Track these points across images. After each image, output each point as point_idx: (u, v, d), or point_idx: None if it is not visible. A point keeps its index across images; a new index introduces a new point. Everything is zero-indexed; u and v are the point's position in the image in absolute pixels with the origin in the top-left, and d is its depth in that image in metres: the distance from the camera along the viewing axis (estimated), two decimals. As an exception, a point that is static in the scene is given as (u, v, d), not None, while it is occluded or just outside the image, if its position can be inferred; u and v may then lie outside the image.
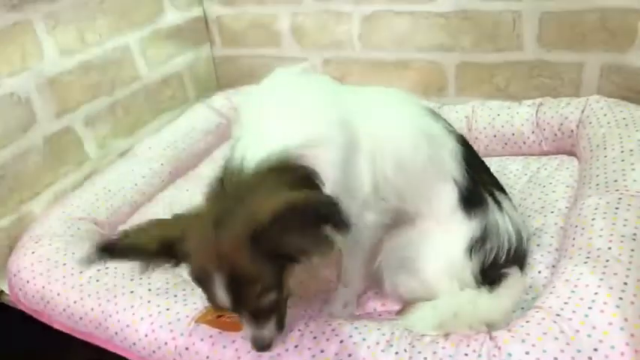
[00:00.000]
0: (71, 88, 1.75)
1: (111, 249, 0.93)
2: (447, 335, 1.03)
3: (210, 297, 0.94)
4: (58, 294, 1.31)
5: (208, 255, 0.89)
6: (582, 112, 1.60)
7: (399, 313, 1.24)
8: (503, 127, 1.72)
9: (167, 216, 0.96)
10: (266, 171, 0.93)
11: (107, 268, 1.32)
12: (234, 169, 0.96)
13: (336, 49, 2.09)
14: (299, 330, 1.09)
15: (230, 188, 0.95)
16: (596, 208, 1.22)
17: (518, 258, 1.22)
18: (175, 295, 1.23)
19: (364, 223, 1.13)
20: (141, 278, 1.26)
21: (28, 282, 1.36)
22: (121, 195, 1.69)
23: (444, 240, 1.18)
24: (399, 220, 1.20)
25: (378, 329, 1.07)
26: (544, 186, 1.50)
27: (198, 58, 2.28)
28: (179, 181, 1.88)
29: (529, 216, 1.40)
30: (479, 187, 1.20)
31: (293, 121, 1.00)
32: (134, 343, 1.20)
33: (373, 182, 1.10)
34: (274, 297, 0.95)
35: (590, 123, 1.54)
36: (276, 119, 1.01)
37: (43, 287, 1.33)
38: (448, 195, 1.17)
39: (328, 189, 0.98)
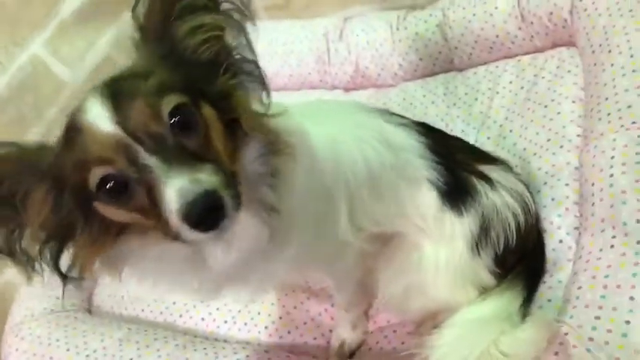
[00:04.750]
0: None
1: None
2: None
3: (84, 141, 0.62)
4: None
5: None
6: (573, -7, 1.28)
7: (419, 327, 1.10)
8: (483, 29, 1.42)
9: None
10: None
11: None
12: None
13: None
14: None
15: None
16: (612, 157, 0.99)
17: (531, 231, 1.04)
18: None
19: (346, 263, 1.00)
20: None
21: None
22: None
23: (441, 249, 1.00)
24: (384, 241, 1.03)
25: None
26: (545, 106, 1.24)
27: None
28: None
29: (535, 154, 1.17)
30: (459, 173, 1.00)
31: None
32: None
33: (349, 210, 0.92)
34: (187, 104, 0.65)
35: (586, 10, 1.23)
36: None
37: None
38: (426, 199, 0.99)
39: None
